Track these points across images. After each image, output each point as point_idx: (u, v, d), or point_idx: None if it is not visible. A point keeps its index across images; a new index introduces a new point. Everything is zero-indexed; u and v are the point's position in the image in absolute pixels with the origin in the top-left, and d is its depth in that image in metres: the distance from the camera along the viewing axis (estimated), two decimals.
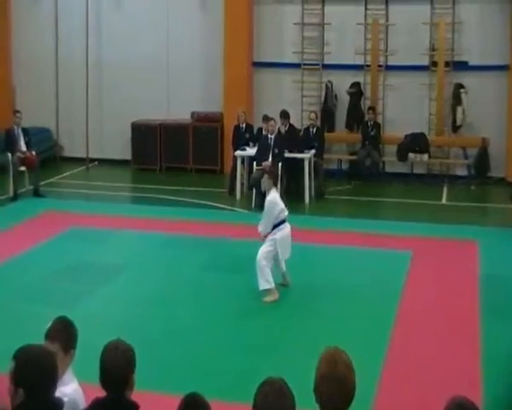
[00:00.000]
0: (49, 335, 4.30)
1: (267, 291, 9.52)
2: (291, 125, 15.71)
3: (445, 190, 15.86)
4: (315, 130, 15.75)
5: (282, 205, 9.73)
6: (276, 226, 9.66)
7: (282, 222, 9.70)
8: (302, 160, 14.84)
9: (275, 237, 9.59)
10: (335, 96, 17.22)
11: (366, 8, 16.87)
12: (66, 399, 4.16)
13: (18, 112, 15.50)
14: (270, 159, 14.48)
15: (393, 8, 16.80)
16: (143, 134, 17.71)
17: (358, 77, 17.06)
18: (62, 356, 4.25)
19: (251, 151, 15.16)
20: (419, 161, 16.63)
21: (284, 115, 15.54)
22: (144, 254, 11.42)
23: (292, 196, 14.36)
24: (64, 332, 4.31)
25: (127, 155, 17.89)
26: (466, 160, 16.58)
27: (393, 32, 16.86)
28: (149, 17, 17.92)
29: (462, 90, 16.36)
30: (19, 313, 8.95)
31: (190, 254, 11.29)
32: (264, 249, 9.57)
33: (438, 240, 11.97)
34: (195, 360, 7.81)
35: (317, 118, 16.08)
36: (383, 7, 16.86)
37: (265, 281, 9.46)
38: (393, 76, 16.91)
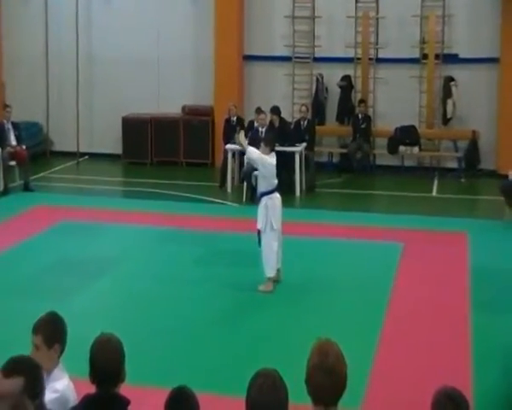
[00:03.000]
0: (34, 328, 4.29)
1: (267, 280, 9.56)
2: (282, 119, 15.69)
3: (435, 182, 15.89)
4: (306, 122, 15.76)
5: (274, 170, 9.82)
6: (265, 194, 9.75)
7: (272, 192, 9.76)
8: (293, 153, 14.84)
9: (266, 204, 9.68)
10: (326, 89, 17.21)
11: (356, 1, 16.85)
12: (57, 395, 4.16)
13: (8, 106, 15.44)
14: None
15: (384, 1, 16.80)
16: (134, 128, 17.66)
17: (349, 70, 17.06)
18: (46, 350, 4.23)
19: None
20: (409, 154, 16.66)
21: (275, 111, 15.47)
22: (135, 249, 11.41)
23: (283, 189, 14.29)
24: (48, 326, 4.28)
25: (118, 150, 17.84)
26: (456, 152, 16.61)
27: (384, 25, 16.87)
28: (139, 11, 17.85)
29: (452, 83, 16.39)
30: (9, 308, 8.94)
31: (182, 247, 11.29)
32: (267, 236, 9.60)
33: (428, 232, 12.01)
34: (187, 353, 7.81)
35: (307, 111, 16.09)
36: (373, 0, 16.85)
37: (271, 268, 9.56)
38: (384, 69, 16.93)
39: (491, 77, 16.33)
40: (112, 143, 17.97)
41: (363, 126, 16.52)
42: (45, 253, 11.05)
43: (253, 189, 14.55)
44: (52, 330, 4.28)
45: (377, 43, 16.97)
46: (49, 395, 4.12)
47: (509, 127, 15.85)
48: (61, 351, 4.33)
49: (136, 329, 8.18)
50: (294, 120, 16.35)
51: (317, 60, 17.23)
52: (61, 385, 4.21)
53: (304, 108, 15.90)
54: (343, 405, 3.42)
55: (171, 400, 3.82)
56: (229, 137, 15.58)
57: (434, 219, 12.79)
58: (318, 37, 17.22)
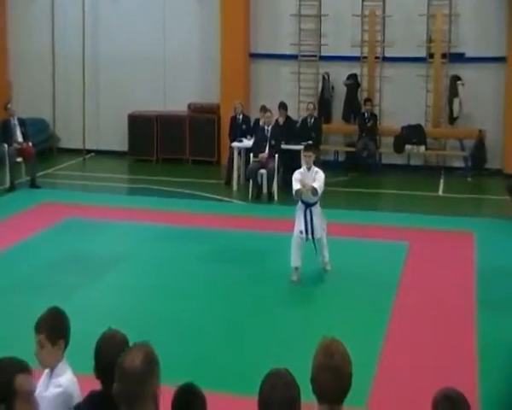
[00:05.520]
0: (37, 326, 4.28)
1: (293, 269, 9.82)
2: (288, 117, 15.70)
3: (441, 181, 15.86)
4: (312, 120, 15.75)
5: (297, 185, 9.87)
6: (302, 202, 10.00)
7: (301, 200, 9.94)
8: (299, 151, 14.81)
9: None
10: (332, 87, 17.20)
11: (363, 0, 16.84)
12: (60, 389, 4.16)
13: (8, 103, 15.45)
14: (266, 150, 14.49)
15: (390, 0, 16.78)
16: (140, 125, 17.68)
17: (355, 68, 17.04)
18: (50, 347, 4.22)
19: (247, 143, 15.16)
20: (416, 153, 16.64)
21: (282, 107, 15.53)
22: (141, 246, 11.42)
23: (289, 188, 14.33)
24: (49, 322, 4.27)
25: (124, 147, 17.87)
26: (463, 151, 16.58)
27: (390, 24, 16.84)
28: (146, 8, 17.87)
29: (458, 82, 16.36)
30: (14, 304, 8.96)
31: (187, 245, 11.29)
32: None
33: (434, 231, 11.99)
34: (193, 350, 7.81)
35: (314, 108, 16.08)
36: None
37: (292, 259, 9.78)
38: (390, 68, 16.90)
39: (498, 76, 16.29)
40: (118, 140, 17.99)
41: (369, 125, 16.51)
42: (51, 249, 11.07)
43: (258, 187, 14.57)
44: (55, 326, 4.27)
45: (384, 42, 16.95)
46: (52, 390, 4.13)
47: None
48: (65, 346, 4.33)
49: (142, 325, 8.17)
50: (301, 118, 16.35)
51: (323, 58, 17.21)
52: (64, 380, 4.21)
53: (311, 106, 15.90)
54: (348, 404, 3.42)
55: (179, 397, 3.82)
56: (235, 134, 15.59)
57: (440, 219, 12.77)
58: (324, 35, 17.20)
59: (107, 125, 18.25)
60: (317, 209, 9.97)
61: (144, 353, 3.23)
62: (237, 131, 15.64)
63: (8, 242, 11.29)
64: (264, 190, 14.59)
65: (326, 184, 15.04)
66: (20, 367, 3.06)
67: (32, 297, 8.90)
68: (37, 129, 17.45)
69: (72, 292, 9.22)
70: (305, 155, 10.23)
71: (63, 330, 4.30)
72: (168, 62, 17.91)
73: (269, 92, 17.09)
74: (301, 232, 9.78)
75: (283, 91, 17.09)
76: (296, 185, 9.87)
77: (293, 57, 17.34)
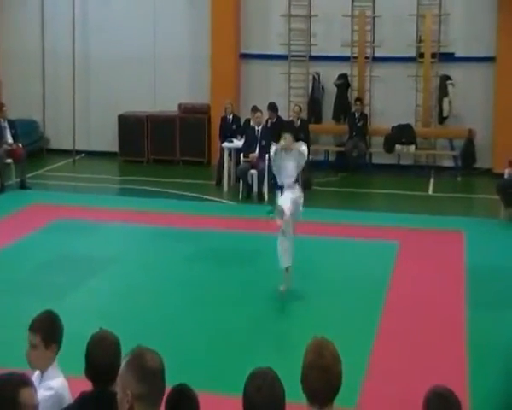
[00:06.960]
0: (32, 326, 4.28)
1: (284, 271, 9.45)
2: (279, 118, 15.69)
3: (431, 181, 15.91)
4: (299, 122, 15.71)
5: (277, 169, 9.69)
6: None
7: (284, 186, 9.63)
8: None
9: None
10: (322, 87, 17.22)
11: (353, 0, 16.86)
12: (51, 392, 4.16)
13: (3, 105, 15.43)
14: (257, 151, 14.50)
15: (380, 0, 16.81)
16: (130, 126, 17.65)
17: (345, 68, 17.06)
18: (43, 349, 4.22)
19: (238, 143, 15.15)
20: (406, 153, 16.68)
21: (272, 108, 15.51)
22: (131, 246, 11.42)
23: (279, 188, 14.34)
24: (47, 325, 4.28)
25: (114, 147, 17.83)
26: (452, 151, 16.64)
27: (380, 24, 16.87)
28: (136, 9, 17.84)
29: (448, 82, 16.41)
30: (5, 305, 8.94)
31: (178, 245, 11.29)
32: None
33: (424, 231, 12.03)
34: (182, 351, 7.80)
35: (300, 111, 16.03)
36: None
37: (281, 260, 9.36)
38: (380, 67, 16.93)
39: (487, 75, 16.35)
40: (108, 140, 17.96)
41: (359, 125, 16.53)
42: (41, 251, 11.05)
43: (249, 187, 14.58)
44: (51, 330, 4.27)
45: (373, 42, 16.98)
46: (42, 393, 4.11)
47: (504, 126, 15.88)
48: (57, 351, 4.32)
49: (132, 326, 8.17)
50: (290, 119, 16.35)
51: (313, 58, 17.24)
52: (55, 383, 4.21)
53: (297, 108, 15.81)
54: (338, 403, 3.43)
55: (172, 398, 3.81)
56: (225, 135, 15.58)
57: (430, 218, 12.80)
58: (315, 35, 17.23)
59: (98, 125, 18.20)
60: (293, 190, 9.66)
61: (155, 352, 3.21)
62: (228, 132, 15.63)
63: None
64: (255, 190, 14.60)
65: (317, 183, 15.24)
66: (23, 381, 3.06)
67: (22, 299, 8.89)
68: (27, 130, 17.38)
69: (62, 293, 9.19)
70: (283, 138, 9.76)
71: (58, 334, 4.31)
72: (158, 63, 17.89)
73: (259, 92, 17.09)
74: (283, 231, 9.63)
75: (274, 91, 17.11)
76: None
77: (284, 57, 17.34)
